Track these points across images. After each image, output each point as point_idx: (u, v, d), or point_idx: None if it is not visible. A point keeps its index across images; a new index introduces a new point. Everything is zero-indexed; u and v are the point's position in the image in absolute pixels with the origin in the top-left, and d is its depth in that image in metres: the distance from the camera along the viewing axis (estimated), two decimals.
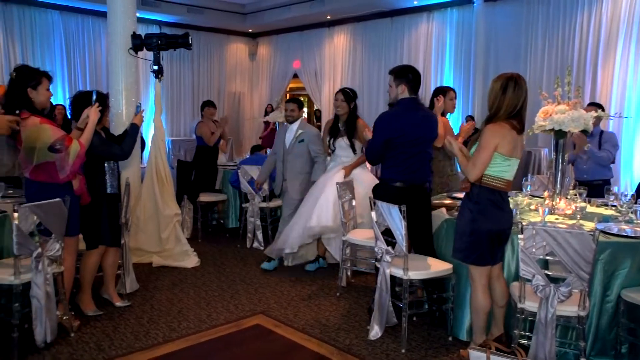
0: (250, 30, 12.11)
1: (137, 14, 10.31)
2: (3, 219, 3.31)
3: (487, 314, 2.94)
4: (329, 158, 4.72)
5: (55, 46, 9.66)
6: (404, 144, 3.39)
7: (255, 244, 5.41)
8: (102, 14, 9.92)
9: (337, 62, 10.82)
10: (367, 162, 4.36)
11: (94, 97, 3.46)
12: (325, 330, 3.42)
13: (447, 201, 3.81)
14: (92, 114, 3.35)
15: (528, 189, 3.90)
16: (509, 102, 2.78)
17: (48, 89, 3.30)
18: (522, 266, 2.65)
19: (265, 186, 5.30)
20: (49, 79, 3.29)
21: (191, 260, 4.71)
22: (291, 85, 12.71)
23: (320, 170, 4.64)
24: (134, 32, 4.70)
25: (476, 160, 2.77)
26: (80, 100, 3.54)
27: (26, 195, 3.26)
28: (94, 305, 3.60)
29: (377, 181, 3.95)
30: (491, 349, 2.60)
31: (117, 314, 3.59)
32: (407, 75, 3.43)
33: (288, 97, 11.69)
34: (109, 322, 3.46)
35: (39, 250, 2.95)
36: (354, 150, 4.51)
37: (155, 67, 4.65)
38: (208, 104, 6.32)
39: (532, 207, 3.53)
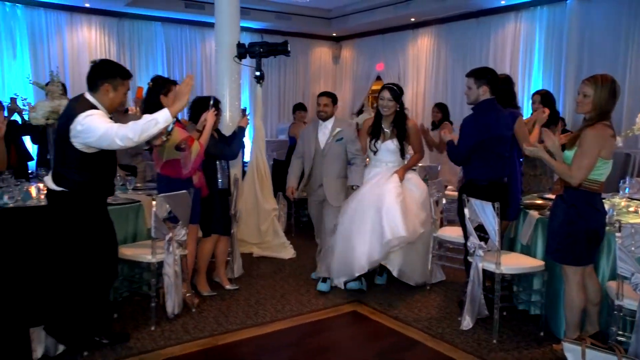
0: (334, 34, 12.52)
1: None
2: (137, 207, 3.87)
3: (581, 311, 3.05)
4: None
5: (157, 55, 10.60)
6: (490, 144, 3.54)
7: None
8: (199, 24, 10.83)
9: (420, 64, 10.92)
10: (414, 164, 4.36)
11: (212, 102, 3.93)
12: (418, 320, 3.66)
13: (539, 201, 3.91)
14: (209, 117, 3.82)
15: (626, 191, 3.90)
16: (614, 106, 2.88)
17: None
18: (620, 264, 2.74)
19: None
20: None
21: (288, 252, 5.13)
22: (373, 87, 12.96)
23: (359, 173, 4.18)
24: (238, 42, 5.18)
25: (581, 164, 2.85)
26: (199, 105, 4.02)
27: (157, 188, 3.81)
28: (208, 286, 4.09)
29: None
30: (586, 343, 2.72)
31: (228, 296, 4.05)
32: (487, 77, 3.57)
33: (370, 99, 11.96)
34: (222, 302, 3.92)
35: (170, 234, 3.45)
36: (403, 154, 4.21)
37: (258, 73, 5.12)
38: (300, 107, 6.76)
39: (631, 209, 3.54)
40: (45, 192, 3.07)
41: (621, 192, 3.90)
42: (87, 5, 9.38)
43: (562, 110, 8.47)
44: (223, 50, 5.25)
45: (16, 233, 2.73)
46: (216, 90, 5.30)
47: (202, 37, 11.08)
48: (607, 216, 3.08)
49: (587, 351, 2.69)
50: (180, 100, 2.95)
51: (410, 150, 4.31)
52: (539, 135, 3.71)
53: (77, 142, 2.83)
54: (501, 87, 3.75)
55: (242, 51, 5.10)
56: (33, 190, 3.55)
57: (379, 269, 4.36)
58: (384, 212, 3.91)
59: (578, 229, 2.93)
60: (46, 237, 2.82)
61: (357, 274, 4.01)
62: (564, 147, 3.04)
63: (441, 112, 6.29)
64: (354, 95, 12.43)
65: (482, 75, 3.57)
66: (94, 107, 2.89)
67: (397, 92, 4.13)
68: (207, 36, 11.12)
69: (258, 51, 5.05)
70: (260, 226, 5.14)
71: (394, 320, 3.64)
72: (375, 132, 4.20)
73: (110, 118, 2.97)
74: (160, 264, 3.44)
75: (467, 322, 3.46)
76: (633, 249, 2.70)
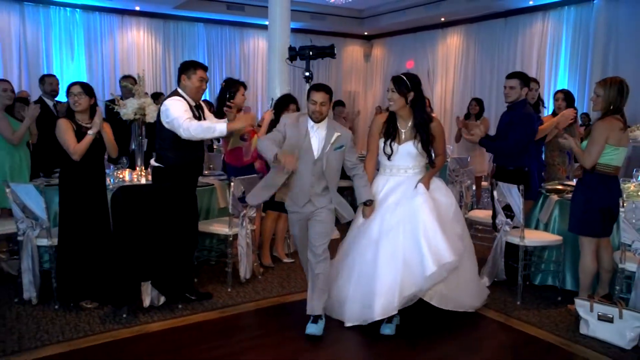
0: (365, 33, 13.17)
1: (267, 22, 11.86)
2: (210, 190, 4.64)
3: (592, 275, 3.67)
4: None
5: (199, 54, 11.41)
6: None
7: None
8: (238, 24, 11.61)
9: (449, 62, 11.49)
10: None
11: (272, 103, 4.66)
12: None
13: (560, 187, 4.53)
14: (267, 115, 4.56)
15: (638, 179, 4.48)
16: (623, 102, 3.50)
17: (243, 94, 4.54)
18: (623, 233, 3.37)
19: None
20: (245, 87, 4.54)
21: (333, 234, 5.81)
22: None
23: (368, 185, 3.48)
24: (290, 45, 5.89)
25: (591, 150, 3.50)
26: (280, 103, 4.71)
27: (227, 173, 4.57)
28: (270, 259, 4.82)
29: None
30: (594, 299, 3.38)
31: (286, 267, 4.77)
32: (529, 80, 4.22)
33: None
34: (282, 272, 4.64)
35: (244, 211, 4.19)
36: (430, 158, 3.57)
37: (307, 74, 5.81)
38: (339, 103, 7.47)
39: None
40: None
41: (634, 179, 4.49)
42: (138, 8, 10.21)
43: (587, 108, 8.97)
44: (275, 52, 5.96)
45: (132, 206, 3.48)
46: (269, 90, 6.03)
47: (241, 37, 11.85)
48: None
49: (594, 305, 3.35)
50: (239, 124, 3.69)
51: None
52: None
53: (163, 121, 3.60)
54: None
55: (293, 54, 5.80)
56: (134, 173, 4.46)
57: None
58: (421, 236, 3.25)
59: (593, 206, 3.55)
60: (153, 209, 3.57)
61: (378, 318, 3.27)
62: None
63: (479, 105, 6.89)
64: (384, 92, 13.03)
65: (526, 78, 4.25)
66: (180, 96, 3.68)
67: (405, 83, 3.38)
68: (245, 36, 11.89)
69: (308, 54, 5.74)
70: None
71: None
72: (390, 132, 3.53)
73: (197, 109, 3.73)
74: (235, 237, 4.18)
75: (484, 281, 4.12)
76: (634, 221, 3.32)
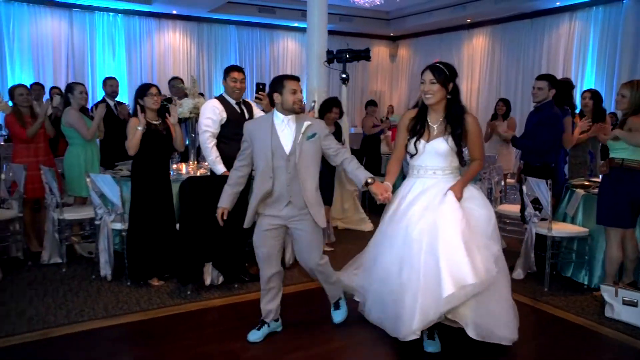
0: (391, 34, 13.52)
1: (296, 24, 12.26)
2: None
3: (618, 264, 4.00)
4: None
5: (230, 55, 11.91)
6: None
7: None
8: (268, 26, 12.06)
9: (475, 62, 11.76)
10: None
11: (313, 104, 5.07)
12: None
13: (586, 182, 4.84)
14: (310, 116, 4.96)
15: None
16: None
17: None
18: None
19: None
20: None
21: (367, 226, 6.22)
22: None
23: (359, 167, 3.21)
24: (327, 49, 6.29)
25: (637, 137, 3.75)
26: (324, 106, 5.13)
27: None
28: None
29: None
30: (619, 286, 3.71)
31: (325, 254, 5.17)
32: (556, 82, 4.55)
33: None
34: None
35: None
36: (461, 159, 3.25)
37: (344, 75, 6.21)
38: (371, 103, 7.89)
39: None
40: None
41: None
42: (174, 12, 10.73)
43: (615, 108, 9.15)
44: (313, 55, 6.36)
45: (197, 195, 3.92)
46: (307, 92, 6.44)
47: (271, 39, 12.30)
48: None
49: (619, 290, 3.68)
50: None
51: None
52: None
53: None
54: (561, 89, 4.70)
55: (331, 57, 6.21)
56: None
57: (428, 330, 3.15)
58: (440, 253, 2.91)
59: (620, 199, 3.88)
60: (215, 197, 4.01)
61: (403, 339, 2.99)
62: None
63: (505, 106, 7.19)
64: (409, 92, 13.38)
65: (555, 80, 4.59)
66: (220, 98, 4.23)
67: (444, 72, 3.10)
68: (275, 37, 12.35)
69: (345, 57, 6.15)
70: (344, 204, 6.26)
71: None
72: (418, 128, 3.22)
73: (241, 106, 4.21)
74: None
75: (518, 273, 4.48)
76: None
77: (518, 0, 9.91)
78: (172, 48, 11.12)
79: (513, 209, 5.14)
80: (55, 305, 3.76)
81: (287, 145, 3.14)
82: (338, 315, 3.58)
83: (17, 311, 3.63)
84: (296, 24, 12.06)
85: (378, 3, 9.28)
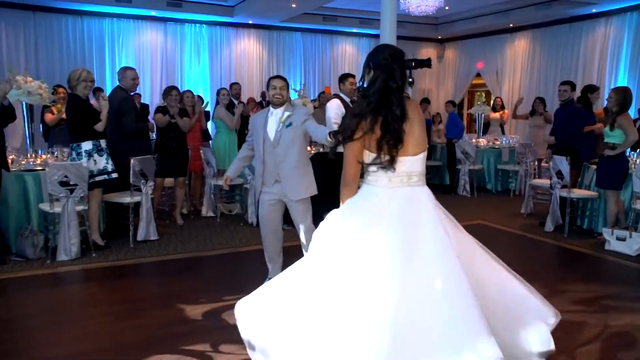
0: (439, 37, 15.33)
1: (354, 30, 14.08)
2: None
3: (615, 215, 5.83)
4: None
5: (296, 60, 13.94)
6: None
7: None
8: (330, 32, 14.10)
9: (517, 63, 13.43)
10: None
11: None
12: (523, 226, 6.58)
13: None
14: None
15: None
16: None
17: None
18: (635, 185, 5.49)
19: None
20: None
21: None
22: (472, 83, 15.61)
23: (318, 127, 3.82)
24: None
25: None
26: None
27: None
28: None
29: None
30: (613, 227, 5.56)
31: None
32: (574, 86, 6.42)
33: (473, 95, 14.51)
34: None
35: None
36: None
37: (410, 80, 8.08)
38: (424, 101, 9.82)
39: None
40: None
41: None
42: (250, 22, 12.86)
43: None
44: None
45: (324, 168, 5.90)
46: None
47: (331, 43, 14.31)
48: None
49: (614, 230, 5.56)
50: None
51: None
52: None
53: None
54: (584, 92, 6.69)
55: None
56: None
57: None
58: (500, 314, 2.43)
59: (618, 170, 5.69)
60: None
61: None
62: None
63: (542, 103, 8.91)
64: (455, 90, 15.17)
65: (574, 85, 6.51)
66: (338, 96, 6.08)
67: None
68: (334, 42, 14.36)
69: (411, 64, 8.00)
70: None
71: (509, 229, 6.57)
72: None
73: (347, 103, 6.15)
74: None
75: (548, 226, 6.37)
76: None
77: (557, 7, 11.44)
78: (247, 53, 13.25)
79: (544, 182, 6.98)
80: (228, 234, 5.92)
81: (271, 134, 3.87)
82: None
83: (197, 239, 5.80)
84: (354, 30, 14.02)
85: (431, 13, 11.11)
